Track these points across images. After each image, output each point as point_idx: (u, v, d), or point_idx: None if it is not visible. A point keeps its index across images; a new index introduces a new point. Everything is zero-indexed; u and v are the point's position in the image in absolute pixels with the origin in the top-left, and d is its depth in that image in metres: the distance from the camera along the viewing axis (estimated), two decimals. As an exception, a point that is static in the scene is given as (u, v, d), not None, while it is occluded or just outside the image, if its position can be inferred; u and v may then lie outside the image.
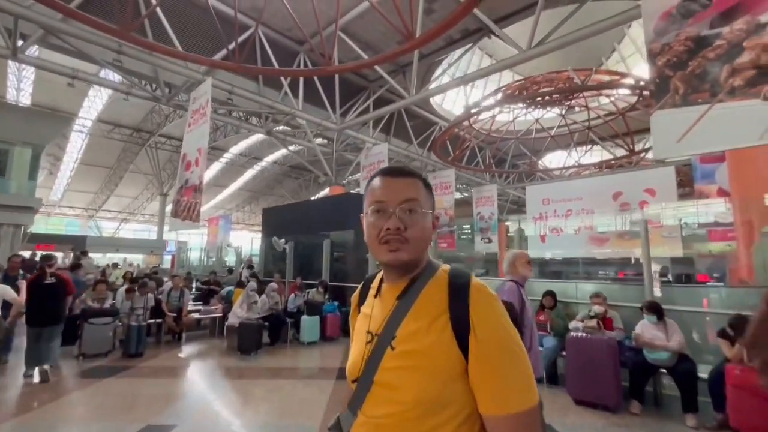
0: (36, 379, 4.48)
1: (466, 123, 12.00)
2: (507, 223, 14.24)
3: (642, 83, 9.22)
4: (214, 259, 15.82)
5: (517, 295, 2.45)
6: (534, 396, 0.68)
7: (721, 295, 4.39)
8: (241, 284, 7.20)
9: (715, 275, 9.05)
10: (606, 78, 10.21)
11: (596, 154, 16.68)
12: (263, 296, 6.71)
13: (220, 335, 7.10)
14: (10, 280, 5.45)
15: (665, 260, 9.23)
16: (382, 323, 0.79)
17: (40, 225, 24.21)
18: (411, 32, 5.61)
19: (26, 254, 10.37)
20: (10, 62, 10.73)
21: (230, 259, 15.10)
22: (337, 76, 9.42)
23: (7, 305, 4.64)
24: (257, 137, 18.87)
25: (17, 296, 4.68)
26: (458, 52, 9.27)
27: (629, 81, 9.64)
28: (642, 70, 12.96)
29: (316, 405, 3.98)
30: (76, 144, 20.48)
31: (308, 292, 7.72)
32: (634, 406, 3.84)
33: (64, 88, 9.73)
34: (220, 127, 16.74)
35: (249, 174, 25.97)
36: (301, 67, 8.70)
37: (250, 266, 10.44)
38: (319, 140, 12.76)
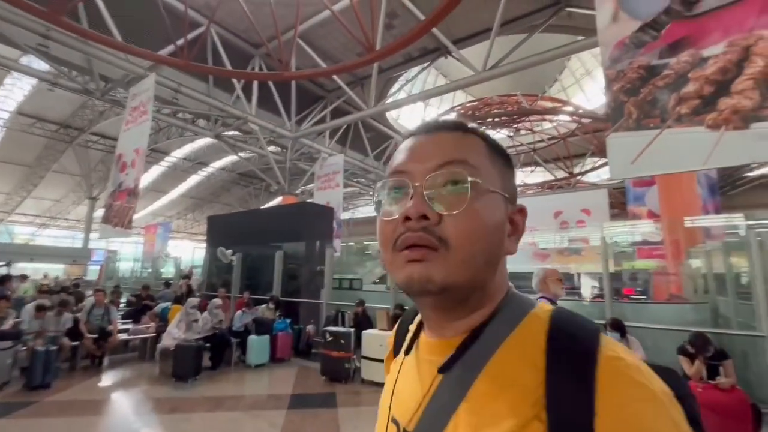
0: None
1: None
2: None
3: (581, 111, 10.03)
4: (150, 270, 14.49)
5: None
6: None
7: (664, 311, 4.70)
8: (179, 300, 6.54)
9: (638, 289, 9.92)
10: (549, 104, 11.02)
11: (539, 175, 17.88)
12: (205, 314, 6.12)
13: (152, 359, 6.34)
14: None
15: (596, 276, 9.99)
16: (415, 414, 0.45)
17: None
18: (372, 45, 5.62)
19: None
20: None
21: (168, 270, 13.91)
22: (294, 83, 9.19)
23: None
24: (204, 141, 17.86)
25: None
26: (415, 69, 9.50)
27: (570, 108, 10.46)
28: (580, 99, 14.20)
29: (264, 440, 3.58)
30: (-14, 137, 17.99)
31: (257, 309, 7.21)
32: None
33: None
34: (164, 128, 15.61)
35: (193, 180, 24.48)
36: (257, 70, 8.36)
37: (187, 276, 9.61)
38: (272, 148, 12.32)
